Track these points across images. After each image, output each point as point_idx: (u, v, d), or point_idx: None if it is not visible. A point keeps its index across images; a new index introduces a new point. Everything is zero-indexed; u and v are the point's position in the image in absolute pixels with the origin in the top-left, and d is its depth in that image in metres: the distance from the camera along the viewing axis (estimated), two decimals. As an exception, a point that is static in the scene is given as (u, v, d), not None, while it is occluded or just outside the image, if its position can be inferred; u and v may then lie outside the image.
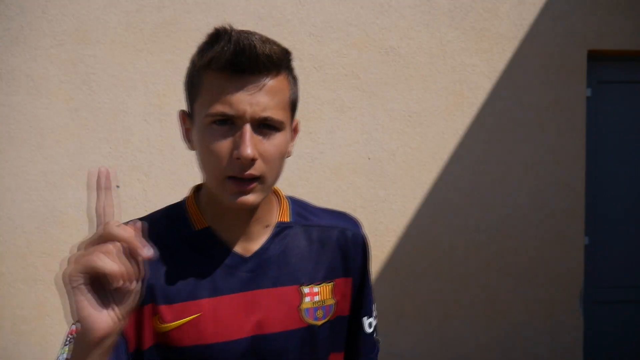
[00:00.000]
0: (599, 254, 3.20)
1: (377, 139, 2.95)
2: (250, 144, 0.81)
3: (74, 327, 0.83)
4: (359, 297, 1.01)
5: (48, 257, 2.84)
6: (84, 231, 2.85)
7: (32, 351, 2.85)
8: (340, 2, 2.93)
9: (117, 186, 3.03)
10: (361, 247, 1.00)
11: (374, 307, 1.06)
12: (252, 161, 0.82)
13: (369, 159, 2.96)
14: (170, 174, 2.89)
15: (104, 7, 2.84)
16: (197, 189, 0.97)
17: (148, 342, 0.87)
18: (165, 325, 0.86)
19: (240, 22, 2.86)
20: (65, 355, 0.82)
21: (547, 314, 3.07)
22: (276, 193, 1.00)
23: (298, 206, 1.01)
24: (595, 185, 3.18)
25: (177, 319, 0.87)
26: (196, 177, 2.89)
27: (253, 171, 0.82)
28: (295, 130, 0.95)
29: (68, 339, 0.85)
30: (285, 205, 0.99)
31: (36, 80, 2.82)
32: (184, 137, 0.92)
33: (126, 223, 0.88)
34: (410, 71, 2.97)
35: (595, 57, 3.10)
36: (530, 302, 3.05)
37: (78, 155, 2.85)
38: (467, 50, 3.00)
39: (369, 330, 1.04)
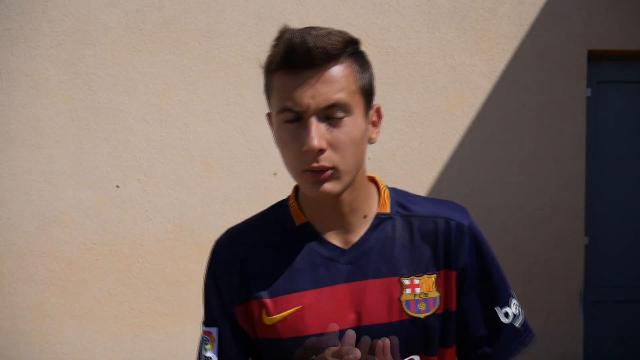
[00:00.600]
0: (599, 254, 3.20)
1: (377, 139, 2.95)
2: (316, 134, 0.82)
3: (205, 328, 0.97)
4: (483, 289, 0.96)
5: (48, 257, 2.84)
6: (84, 231, 2.85)
7: (32, 351, 2.85)
8: (340, 2, 2.93)
9: (117, 186, 3.06)
10: (467, 237, 0.95)
11: (512, 299, 1.00)
12: (321, 152, 0.83)
13: (369, 159, 2.96)
14: (170, 174, 2.89)
15: (104, 7, 2.84)
16: (298, 187, 0.99)
17: (261, 334, 0.92)
18: (272, 317, 0.90)
19: (240, 22, 2.86)
20: (209, 354, 0.95)
21: (547, 314, 3.07)
22: (375, 184, 1.01)
23: (399, 196, 0.99)
24: (595, 185, 3.18)
25: (281, 311, 0.90)
26: (196, 177, 2.89)
27: (324, 162, 0.83)
28: (378, 116, 0.96)
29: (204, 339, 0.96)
30: (386, 195, 0.98)
31: (36, 80, 2.82)
32: (274, 138, 0.93)
33: (229, 232, 0.99)
34: (410, 71, 2.97)
35: (595, 57, 3.10)
36: (530, 302, 3.05)
37: (78, 155, 2.84)
38: (467, 50, 3.00)
39: (506, 320, 0.98)
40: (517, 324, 1.01)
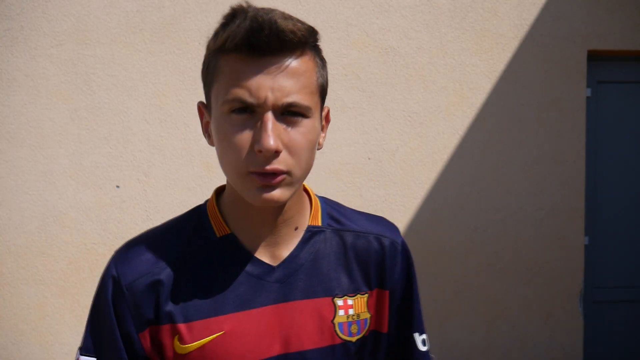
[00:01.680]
0: (599, 254, 3.20)
1: (377, 139, 2.95)
2: (273, 134, 0.71)
3: (81, 357, 0.81)
4: (406, 312, 0.91)
5: (48, 257, 2.84)
6: (84, 231, 2.86)
7: (32, 351, 2.85)
8: (340, 2, 2.93)
9: (117, 186, 3.06)
10: (400, 256, 0.89)
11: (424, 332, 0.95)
12: (276, 153, 0.72)
13: (369, 159, 2.96)
14: (170, 174, 2.89)
15: (104, 7, 2.84)
16: (219, 191, 0.88)
17: None
18: (186, 346, 0.78)
19: (240, 22, 2.86)
20: None
21: (547, 314, 3.07)
22: (307, 192, 0.90)
23: (331, 208, 0.90)
24: (595, 185, 3.18)
25: (198, 339, 0.78)
26: (196, 177, 2.89)
27: (278, 165, 0.72)
28: (326, 120, 0.85)
29: None
30: (317, 206, 0.88)
31: (36, 80, 2.82)
32: (203, 131, 0.83)
33: (143, 234, 0.85)
34: (410, 71, 2.97)
35: (595, 57, 3.10)
36: (530, 302, 3.05)
37: (78, 155, 2.85)
38: (467, 50, 3.00)
39: (423, 347, 0.92)
40: (432, 356, 0.95)
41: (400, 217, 2.99)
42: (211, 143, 0.81)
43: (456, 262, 3.01)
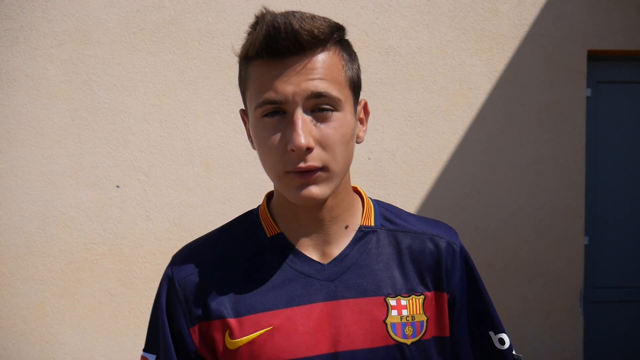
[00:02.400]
0: (599, 254, 3.20)
1: (377, 139, 2.95)
2: (303, 131, 0.71)
3: (144, 354, 0.86)
4: (476, 313, 0.88)
5: (48, 257, 2.84)
6: (84, 231, 2.86)
7: (32, 351, 2.85)
8: (340, 2, 2.93)
9: (117, 186, 3.06)
10: (459, 258, 0.87)
11: (504, 332, 0.91)
12: (309, 150, 0.72)
13: (369, 159, 2.96)
14: (170, 174, 2.89)
15: (104, 7, 2.84)
16: (270, 195, 0.90)
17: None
18: (236, 340, 0.79)
19: (240, 23, 2.86)
20: None
21: (547, 314, 3.07)
22: (359, 194, 0.91)
23: (385, 209, 0.90)
24: (596, 185, 3.18)
25: (248, 333, 0.78)
26: (196, 177, 2.89)
27: (312, 162, 0.73)
28: (366, 113, 0.86)
29: None
30: (370, 207, 0.88)
31: (36, 80, 2.82)
32: (248, 137, 0.84)
33: (194, 242, 0.88)
34: (410, 71, 2.97)
35: (595, 57, 3.10)
36: (530, 302, 3.05)
37: (78, 155, 2.85)
38: (467, 50, 3.00)
39: (501, 346, 0.88)
40: (514, 353, 0.91)
41: (400, 217, 2.98)
42: (254, 148, 0.82)
43: (456, 262, 3.01)
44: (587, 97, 3.10)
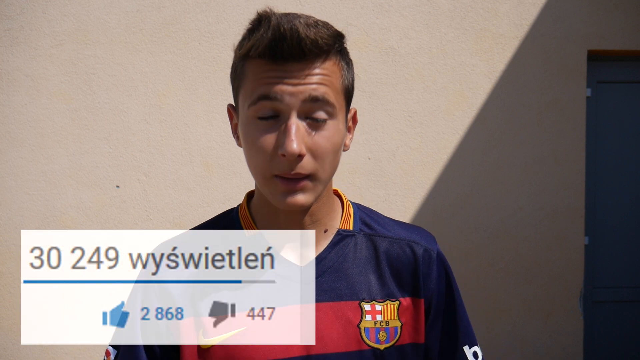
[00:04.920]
0: (599, 254, 3.20)
1: (377, 139, 2.95)
2: (297, 138, 0.72)
3: (110, 348, 0.85)
4: (450, 324, 0.88)
5: (48, 257, 2.84)
6: (84, 231, 2.86)
7: (32, 351, 2.85)
8: (340, 2, 2.93)
9: (117, 186, 3.05)
10: (436, 265, 0.87)
11: (477, 345, 0.90)
12: (300, 157, 0.73)
13: (369, 159, 2.96)
14: (170, 174, 2.89)
15: (104, 7, 2.84)
16: (250, 195, 0.90)
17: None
18: (209, 339, 0.79)
19: (240, 23, 2.86)
20: None
21: (547, 314, 3.07)
22: (339, 197, 0.91)
23: (364, 214, 0.90)
24: (595, 185, 3.18)
25: (221, 333, 0.79)
26: (196, 176, 2.89)
27: (301, 169, 0.73)
28: (353, 121, 0.86)
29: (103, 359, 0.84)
30: (349, 211, 0.89)
31: (36, 80, 2.82)
32: (232, 133, 0.84)
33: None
34: (410, 71, 2.97)
35: (595, 57, 3.10)
36: (530, 302, 3.05)
37: (78, 155, 2.85)
38: (467, 50, 3.00)
39: None
40: None
41: (400, 218, 2.98)
42: (239, 144, 0.82)
43: (456, 262, 3.00)
44: (587, 97, 3.10)
